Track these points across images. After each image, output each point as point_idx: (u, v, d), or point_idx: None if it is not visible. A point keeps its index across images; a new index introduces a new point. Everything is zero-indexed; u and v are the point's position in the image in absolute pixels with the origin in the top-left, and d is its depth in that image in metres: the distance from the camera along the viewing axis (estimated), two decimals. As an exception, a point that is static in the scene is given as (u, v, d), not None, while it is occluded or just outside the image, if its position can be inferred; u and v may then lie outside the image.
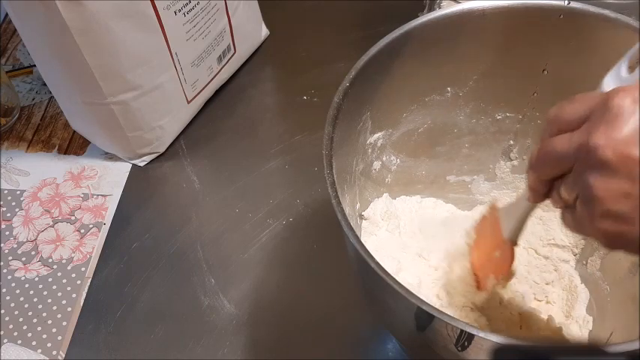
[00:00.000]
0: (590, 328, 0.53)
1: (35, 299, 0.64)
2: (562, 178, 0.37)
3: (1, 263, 0.66)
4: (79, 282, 0.65)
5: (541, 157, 0.37)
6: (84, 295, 0.64)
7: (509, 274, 0.52)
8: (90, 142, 0.76)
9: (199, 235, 0.67)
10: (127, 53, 0.63)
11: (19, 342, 0.61)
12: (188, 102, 0.74)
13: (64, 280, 0.65)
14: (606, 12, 0.48)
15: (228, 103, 0.79)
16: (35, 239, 0.69)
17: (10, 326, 0.62)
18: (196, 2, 0.67)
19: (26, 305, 0.63)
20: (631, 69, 0.37)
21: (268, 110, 0.79)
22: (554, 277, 0.57)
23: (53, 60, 0.64)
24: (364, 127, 0.52)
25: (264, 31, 0.84)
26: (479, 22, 0.51)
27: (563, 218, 0.38)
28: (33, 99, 0.82)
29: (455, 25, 0.51)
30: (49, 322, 0.62)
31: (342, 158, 0.47)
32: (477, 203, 0.62)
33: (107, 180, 0.73)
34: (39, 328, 0.62)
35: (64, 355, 0.60)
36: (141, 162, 0.74)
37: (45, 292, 0.64)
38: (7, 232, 0.69)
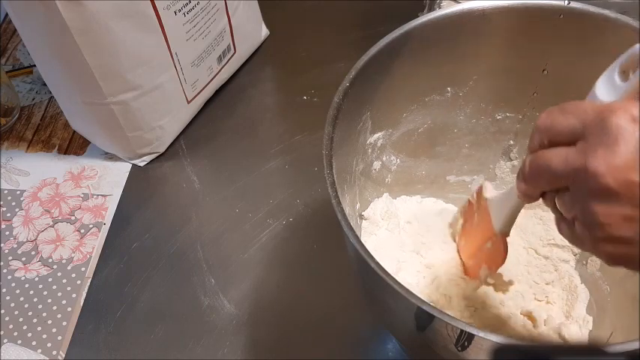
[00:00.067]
0: (590, 328, 0.53)
1: (35, 299, 0.64)
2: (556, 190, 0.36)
3: (1, 263, 0.66)
4: (79, 282, 0.65)
5: (534, 171, 0.37)
6: (84, 295, 0.64)
7: (501, 265, 0.51)
8: (90, 142, 0.76)
9: (199, 235, 0.67)
10: (127, 53, 0.63)
11: (19, 342, 0.61)
12: (188, 102, 0.74)
13: (64, 280, 0.65)
14: (606, 12, 0.48)
15: (228, 103, 0.79)
16: (35, 239, 0.69)
17: (10, 326, 0.62)
18: (196, 2, 0.67)
19: (26, 305, 0.63)
20: (624, 74, 0.36)
21: (268, 110, 0.79)
22: (554, 277, 0.57)
23: (53, 60, 0.64)
24: (364, 127, 0.52)
25: (264, 31, 0.84)
26: (479, 22, 0.51)
27: (560, 229, 0.37)
28: (33, 99, 0.82)
29: (455, 25, 0.51)
30: (49, 322, 0.62)
31: (342, 158, 0.47)
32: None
33: (107, 180, 0.73)
34: (39, 328, 0.62)
35: (64, 355, 0.60)
36: (141, 162, 0.74)
37: (45, 292, 0.64)
38: (7, 232, 0.69)
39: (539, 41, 0.52)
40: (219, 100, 0.79)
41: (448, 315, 0.37)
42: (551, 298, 0.56)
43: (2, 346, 0.60)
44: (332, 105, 0.46)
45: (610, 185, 0.31)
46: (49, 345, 0.60)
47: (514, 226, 0.49)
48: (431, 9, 0.73)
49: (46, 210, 0.71)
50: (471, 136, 0.59)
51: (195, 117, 0.77)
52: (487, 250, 0.50)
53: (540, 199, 0.39)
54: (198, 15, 0.68)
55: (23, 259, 0.67)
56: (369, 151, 0.55)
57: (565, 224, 0.36)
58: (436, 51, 0.52)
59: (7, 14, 0.89)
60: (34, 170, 0.75)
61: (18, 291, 0.64)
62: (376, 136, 0.55)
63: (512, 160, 0.60)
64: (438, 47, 0.52)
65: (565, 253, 0.58)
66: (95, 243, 0.68)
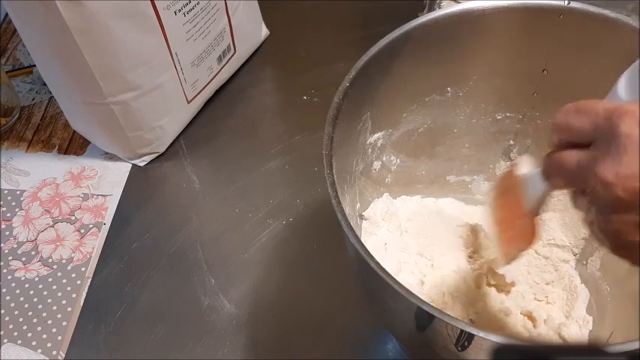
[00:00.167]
0: (590, 328, 0.53)
1: (35, 299, 0.64)
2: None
3: (1, 263, 0.66)
4: (79, 282, 0.65)
5: (548, 170, 0.37)
6: (84, 295, 0.64)
7: (530, 245, 0.51)
8: (90, 142, 0.76)
9: (199, 235, 0.67)
10: (127, 53, 0.63)
11: (19, 342, 0.61)
12: (188, 102, 0.74)
13: (64, 280, 0.65)
14: (606, 12, 0.48)
15: (228, 103, 0.79)
16: (35, 239, 0.69)
17: (10, 326, 0.62)
18: (196, 2, 0.67)
19: (26, 305, 0.63)
20: None
21: (268, 110, 0.79)
22: (554, 277, 0.57)
23: (53, 60, 0.64)
24: (364, 127, 0.52)
25: (264, 31, 0.84)
26: (479, 22, 0.51)
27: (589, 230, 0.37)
28: (33, 99, 0.82)
29: (455, 25, 0.51)
30: (49, 322, 0.62)
31: (342, 158, 0.47)
32: (477, 203, 0.62)
33: (107, 180, 0.73)
34: (39, 328, 0.62)
35: (64, 355, 0.60)
36: (141, 162, 0.74)
37: (45, 292, 0.64)
38: (7, 232, 0.69)
39: (539, 41, 0.52)
40: (219, 100, 0.79)
41: (448, 315, 0.37)
42: (551, 298, 0.56)
43: (2, 346, 0.60)
44: (332, 105, 0.46)
45: (619, 195, 0.31)
46: (49, 345, 0.60)
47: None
48: (431, 9, 0.73)
49: (46, 210, 0.71)
50: (471, 136, 0.59)
51: (195, 117, 0.77)
52: (518, 227, 0.49)
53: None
54: (198, 15, 0.68)
55: (23, 259, 0.67)
56: (369, 151, 0.55)
57: (588, 225, 0.36)
58: (436, 51, 0.52)
59: (7, 14, 0.89)
60: (34, 170, 0.75)
61: (18, 291, 0.64)
62: (376, 136, 0.55)
63: (512, 160, 0.60)
64: (438, 47, 0.52)
65: (565, 253, 0.58)
66: (95, 243, 0.68)
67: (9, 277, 0.65)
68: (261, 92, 0.80)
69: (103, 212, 0.70)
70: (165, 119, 0.71)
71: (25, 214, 0.71)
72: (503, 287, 0.56)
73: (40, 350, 0.60)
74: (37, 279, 0.65)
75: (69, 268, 0.66)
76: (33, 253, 0.67)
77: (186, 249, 0.66)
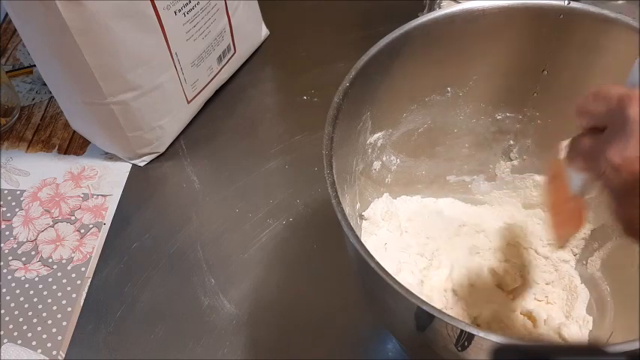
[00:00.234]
0: (590, 328, 0.53)
1: (35, 299, 0.64)
2: None
3: (1, 263, 0.66)
4: (79, 282, 0.65)
5: (570, 154, 0.38)
6: (84, 295, 0.64)
7: (579, 228, 0.51)
8: (90, 142, 0.76)
9: (199, 235, 0.67)
10: (127, 53, 0.63)
11: (19, 342, 0.61)
12: (188, 102, 0.74)
13: (64, 280, 0.65)
14: (606, 12, 0.48)
15: (228, 103, 0.79)
16: (35, 239, 0.69)
17: (10, 326, 0.62)
18: (196, 2, 0.67)
19: (26, 305, 0.63)
20: None
21: (268, 110, 0.79)
22: (554, 277, 0.57)
23: (53, 60, 0.64)
24: (364, 127, 0.52)
25: (264, 31, 0.84)
26: (479, 22, 0.51)
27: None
28: (33, 99, 0.82)
29: (455, 25, 0.51)
30: (49, 322, 0.62)
31: (342, 158, 0.47)
32: (477, 203, 0.62)
33: (107, 180, 0.73)
34: (39, 328, 0.62)
35: (64, 355, 0.60)
36: (141, 162, 0.74)
37: (45, 292, 0.64)
38: (7, 232, 0.69)
39: (539, 41, 0.52)
40: (219, 100, 0.79)
41: (448, 315, 0.37)
42: (551, 298, 0.56)
43: (2, 346, 0.60)
44: (332, 105, 0.46)
45: (627, 179, 0.31)
46: (49, 345, 0.60)
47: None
48: (431, 9, 0.73)
49: (46, 210, 0.71)
50: (471, 136, 0.59)
51: (195, 117, 0.77)
52: (568, 211, 0.50)
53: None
54: (198, 15, 0.68)
55: (23, 259, 0.67)
56: (369, 151, 0.55)
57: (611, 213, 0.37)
58: (436, 51, 0.52)
59: (7, 14, 0.89)
60: (34, 170, 0.75)
61: (18, 291, 0.64)
62: (376, 136, 0.55)
63: (512, 160, 0.60)
64: (437, 47, 0.51)
65: (565, 253, 0.58)
66: (95, 243, 0.68)
67: (9, 277, 0.65)
68: (261, 92, 0.80)
69: (103, 212, 0.70)
70: (165, 119, 0.71)
71: (25, 214, 0.71)
72: (509, 288, 0.56)
73: (40, 350, 0.60)
74: (37, 279, 0.65)
75: (69, 268, 0.66)
76: (33, 253, 0.67)
77: (186, 249, 0.66)
